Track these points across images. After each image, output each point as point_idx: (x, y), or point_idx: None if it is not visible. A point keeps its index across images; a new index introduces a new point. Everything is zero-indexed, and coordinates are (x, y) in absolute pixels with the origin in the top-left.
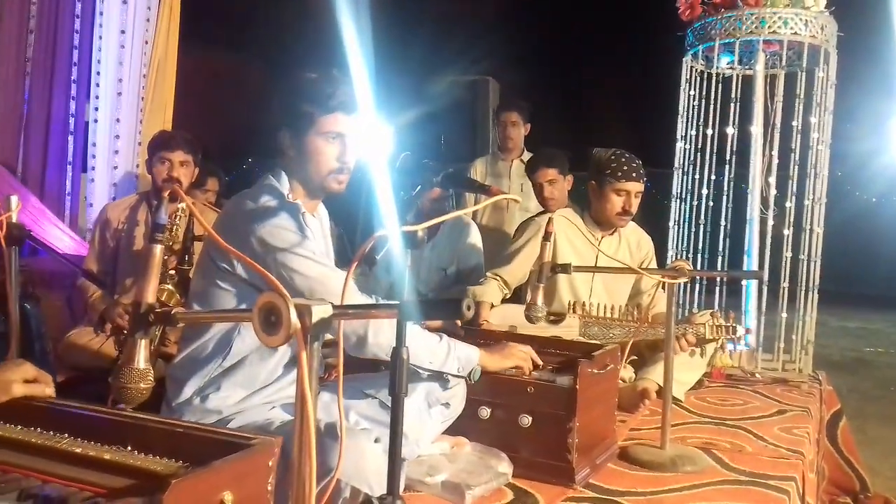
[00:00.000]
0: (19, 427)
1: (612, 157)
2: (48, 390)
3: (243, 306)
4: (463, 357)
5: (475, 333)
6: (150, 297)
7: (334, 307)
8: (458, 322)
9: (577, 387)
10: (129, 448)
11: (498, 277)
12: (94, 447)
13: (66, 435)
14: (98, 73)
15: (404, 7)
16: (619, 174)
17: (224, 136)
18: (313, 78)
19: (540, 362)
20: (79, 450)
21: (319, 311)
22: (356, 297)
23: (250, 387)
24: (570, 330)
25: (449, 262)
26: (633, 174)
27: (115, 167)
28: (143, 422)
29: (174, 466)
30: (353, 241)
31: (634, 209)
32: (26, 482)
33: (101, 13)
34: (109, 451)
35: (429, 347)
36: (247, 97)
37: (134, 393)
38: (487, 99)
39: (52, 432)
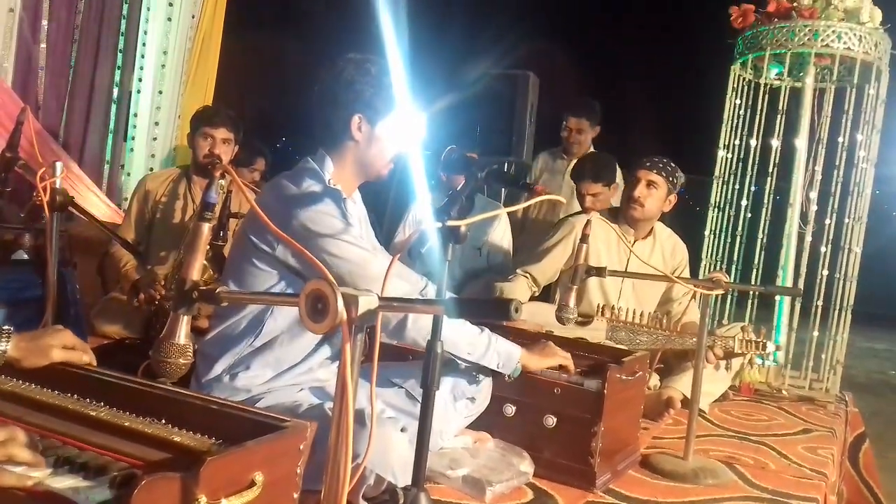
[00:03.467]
0: (56, 392)
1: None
2: (86, 358)
3: (278, 287)
4: (503, 353)
5: (506, 331)
6: (195, 274)
7: (380, 299)
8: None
9: (605, 391)
10: (164, 421)
11: (528, 275)
12: (130, 418)
13: (103, 404)
14: (144, 45)
15: None
16: (634, 164)
17: (261, 115)
18: (391, 68)
19: (573, 369)
20: (115, 419)
21: (366, 302)
22: (405, 278)
23: (279, 367)
24: (597, 333)
25: (480, 240)
26: (647, 163)
27: (155, 138)
28: (178, 396)
29: (208, 443)
30: (381, 226)
31: (643, 198)
32: (63, 449)
33: None
34: (145, 424)
35: (469, 338)
36: (283, 78)
37: (173, 367)
38: (527, 94)
39: (88, 400)
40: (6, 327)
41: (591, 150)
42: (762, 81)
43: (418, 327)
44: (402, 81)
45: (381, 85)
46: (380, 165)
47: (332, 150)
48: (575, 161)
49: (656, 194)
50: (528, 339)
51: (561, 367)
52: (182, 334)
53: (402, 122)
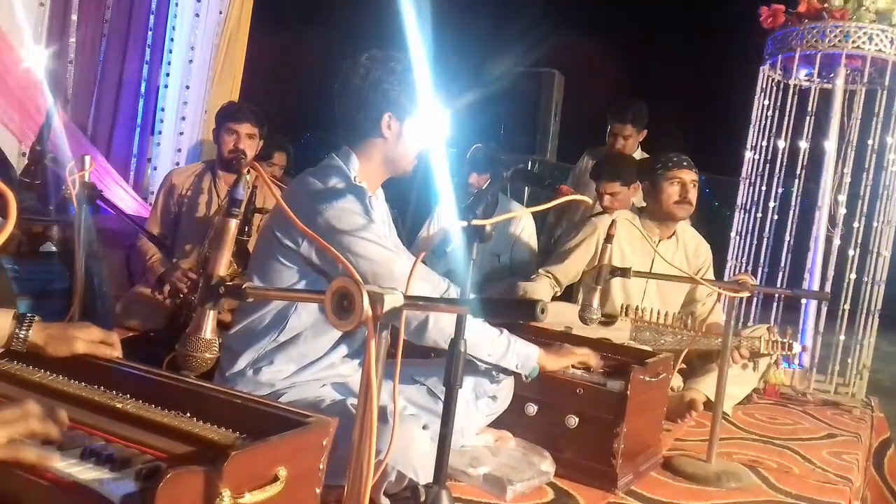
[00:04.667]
0: (83, 384)
1: (660, 156)
2: (113, 352)
3: (301, 284)
4: (522, 354)
5: (528, 331)
6: (221, 269)
7: (405, 297)
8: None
9: (628, 392)
10: (189, 415)
11: (550, 275)
12: (155, 411)
13: (129, 396)
14: (172, 40)
15: None
16: (670, 164)
17: (286, 110)
18: (417, 66)
19: (600, 363)
20: (141, 412)
21: (391, 301)
22: (428, 279)
23: (302, 362)
24: (620, 333)
25: (503, 248)
26: (684, 163)
27: (182, 133)
28: (203, 390)
29: (232, 437)
30: (403, 223)
31: (693, 198)
32: (90, 440)
33: None
34: (170, 417)
35: (489, 339)
36: (309, 74)
37: (199, 362)
38: (552, 91)
39: (114, 392)
40: (30, 315)
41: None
42: (791, 82)
43: (439, 329)
44: (426, 78)
45: (407, 82)
46: (406, 162)
47: (357, 147)
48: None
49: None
50: (549, 337)
51: (582, 364)
52: (208, 329)
53: (427, 118)
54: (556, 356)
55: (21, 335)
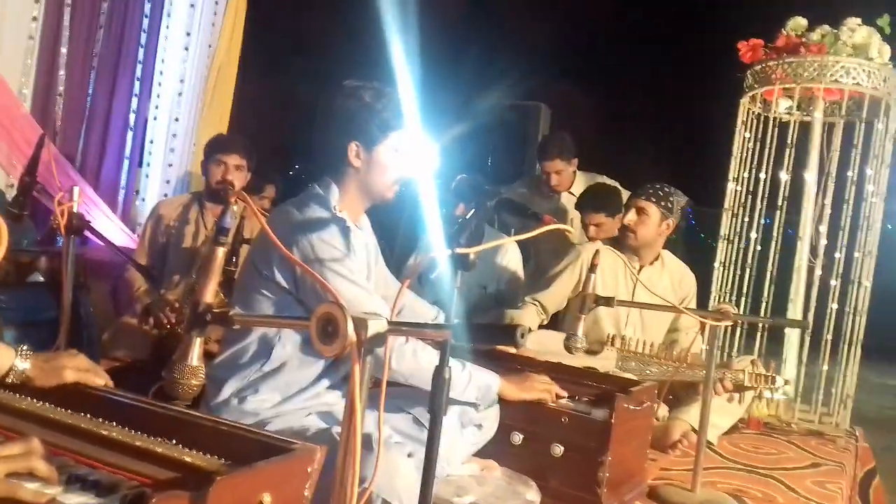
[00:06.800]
0: (70, 411)
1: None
2: (100, 381)
3: (283, 314)
4: (483, 386)
5: (514, 361)
6: (209, 297)
7: (389, 323)
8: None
9: (613, 421)
10: (175, 442)
11: (536, 302)
12: (141, 438)
13: (115, 423)
14: (161, 73)
15: (456, 25)
16: (633, 192)
17: (276, 142)
18: (387, 93)
19: (564, 393)
20: (127, 439)
21: (375, 326)
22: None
23: (287, 391)
24: (606, 362)
25: (489, 279)
26: (639, 191)
27: (170, 165)
28: (188, 417)
29: (217, 463)
30: (392, 252)
31: (633, 225)
32: (75, 467)
33: (169, 14)
34: (156, 443)
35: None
36: (299, 106)
37: (186, 388)
38: (538, 124)
39: (101, 419)
40: (24, 347)
41: (578, 178)
42: (772, 115)
43: (400, 370)
44: (405, 106)
45: (374, 110)
46: (383, 189)
47: (335, 176)
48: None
49: (648, 221)
50: (534, 367)
51: (540, 399)
52: (195, 356)
53: (402, 146)
54: (517, 387)
55: (20, 368)
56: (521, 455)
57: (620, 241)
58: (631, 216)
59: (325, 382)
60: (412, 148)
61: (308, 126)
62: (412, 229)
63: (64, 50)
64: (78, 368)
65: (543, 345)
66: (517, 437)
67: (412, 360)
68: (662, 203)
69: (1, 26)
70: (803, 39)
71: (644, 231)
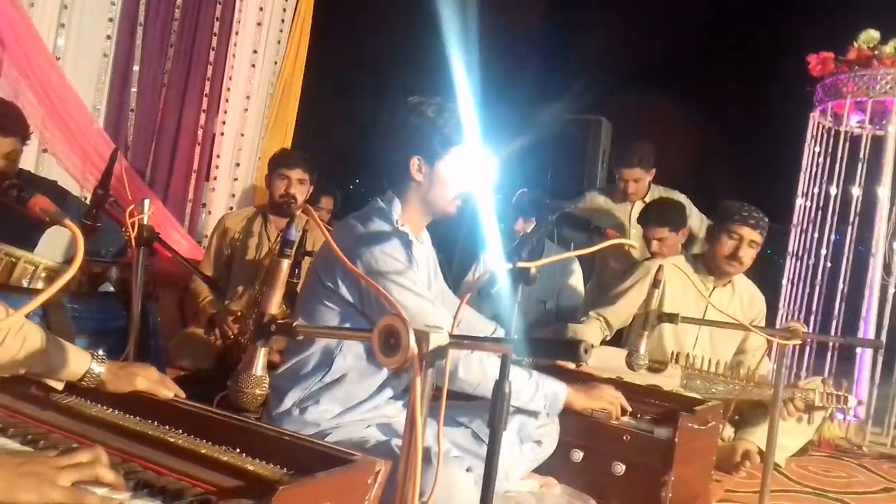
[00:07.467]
0: (138, 418)
1: (736, 204)
2: (169, 393)
3: (345, 326)
4: (550, 394)
5: (569, 375)
6: (273, 308)
7: (451, 336)
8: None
9: (676, 440)
10: (238, 450)
11: (601, 318)
12: (206, 446)
13: (181, 431)
14: (228, 90)
15: (517, 39)
16: (736, 217)
17: (338, 157)
18: (448, 108)
19: (629, 408)
20: (192, 446)
21: (436, 339)
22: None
23: (347, 402)
24: (671, 380)
25: (548, 295)
26: (751, 220)
27: (236, 179)
28: (252, 427)
29: (279, 473)
30: (450, 267)
31: (746, 258)
32: (143, 473)
33: (237, 33)
34: (221, 451)
35: (517, 384)
36: (360, 121)
37: (250, 398)
38: (599, 138)
39: (168, 427)
40: (100, 352)
41: (652, 190)
42: (843, 129)
43: (468, 379)
44: (466, 121)
45: (436, 125)
46: (444, 204)
47: (398, 191)
48: (636, 202)
49: (754, 253)
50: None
51: (606, 411)
52: (259, 366)
53: (464, 160)
54: (585, 395)
55: (96, 372)
56: (581, 472)
57: (711, 264)
58: (746, 250)
59: (386, 394)
60: (473, 163)
61: (368, 141)
62: (471, 244)
63: (136, 68)
64: (149, 379)
65: (604, 361)
66: (577, 455)
67: (479, 370)
68: (765, 234)
69: (77, 45)
70: (875, 52)
71: (749, 262)
